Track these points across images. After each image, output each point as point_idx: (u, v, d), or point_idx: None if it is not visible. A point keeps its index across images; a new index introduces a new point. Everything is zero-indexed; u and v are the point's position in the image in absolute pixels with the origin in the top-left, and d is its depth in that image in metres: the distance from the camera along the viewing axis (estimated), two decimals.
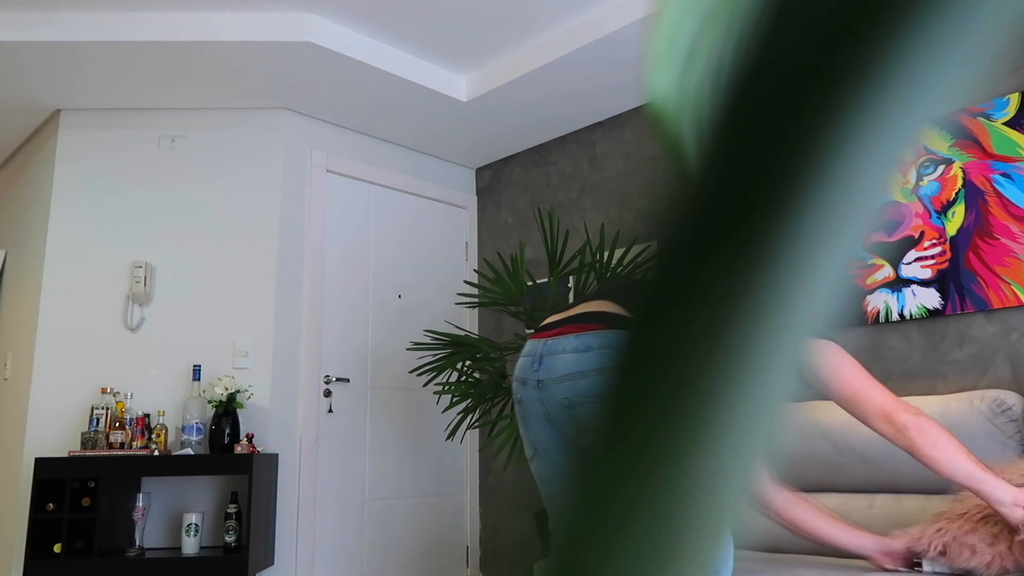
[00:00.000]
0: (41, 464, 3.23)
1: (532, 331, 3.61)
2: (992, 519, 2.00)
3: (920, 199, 2.85)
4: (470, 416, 3.52)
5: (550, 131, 4.28)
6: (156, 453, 3.36)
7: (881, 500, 2.52)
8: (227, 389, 3.45)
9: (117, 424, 3.39)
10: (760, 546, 2.68)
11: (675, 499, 0.18)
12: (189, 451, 3.40)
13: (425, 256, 4.48)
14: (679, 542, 0.18)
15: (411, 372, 3.79)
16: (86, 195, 3.79)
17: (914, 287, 2.83)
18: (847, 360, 1.76)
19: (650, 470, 0.18)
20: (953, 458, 1.58)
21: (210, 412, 3.51)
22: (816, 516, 1.92)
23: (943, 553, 2.03)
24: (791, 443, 2.74)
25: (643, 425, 0.18)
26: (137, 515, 3.37)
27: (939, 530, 2.08)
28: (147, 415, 3.48)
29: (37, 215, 3.92)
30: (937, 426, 1.60)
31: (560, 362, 1.69)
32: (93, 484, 3.25)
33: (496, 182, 4.68)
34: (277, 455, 3.64)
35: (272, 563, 3.52)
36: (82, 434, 3.37)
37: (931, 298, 2.79)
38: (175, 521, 3.52)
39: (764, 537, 2.67)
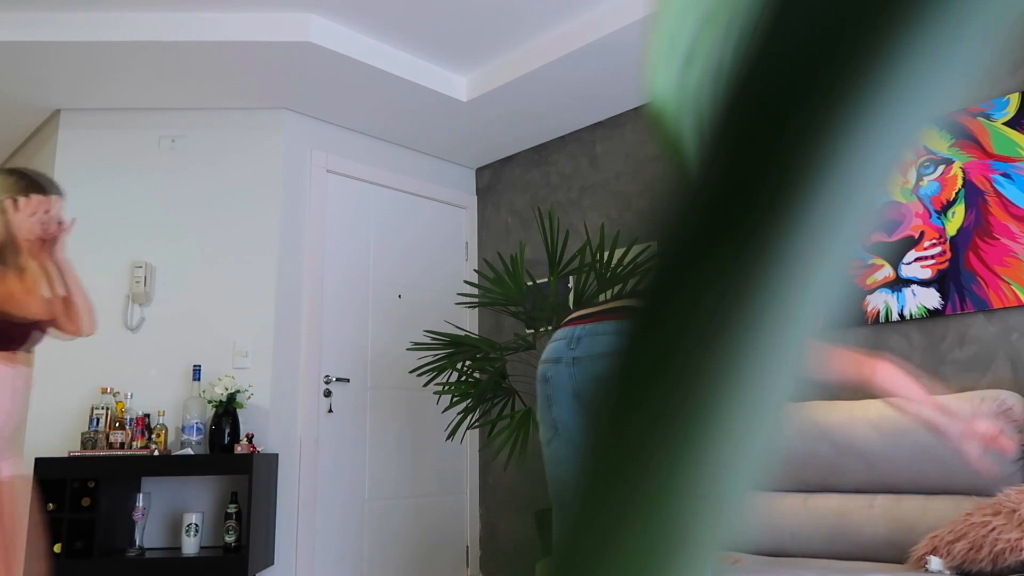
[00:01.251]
0: (41, 464, 3.23)
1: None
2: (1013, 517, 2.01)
3: (920, 199, 2.85)
4: (470, 416, 3.52)
5: (550, 131, 4.28)
6: (156, 453, 3.36)
7: (881, 500, 2.52)
8: (227, 389, 3.45)
9: (117, 424, 3.39)
10: (761, 549, 2.68)
11: (675, 495, 0.18)
12: (189, 451, 3.40)
13: (425, 256, 4.48)
14: (680, 538, 0.18)
15: (411, 372, 3.79)
16: (86, 195, 3.79)
17: (914, 287, 2.83)
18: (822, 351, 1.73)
19: (649, 465, 0.18)
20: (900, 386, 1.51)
21: (210, 412, 3.51)
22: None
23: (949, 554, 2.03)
24: (791, 443, 2.74)
25: (642, 421, 0.18)
26: (137, 515, 3.37)
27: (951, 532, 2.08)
28: (147, 415, 3.48)
29: None
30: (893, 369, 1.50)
31: (601, 341, 1.77)
32: (93, 484, 3.25)
33: (496, 182, 4.68)
34: (277, 455, 3.64)
35: (272, 563, 3.52)
36: (82, 434, 3.37)
37: (931, 298, 2.79)
38: (175, 521, 3.52)
39: (765, 539, 2.67)
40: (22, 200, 2.27)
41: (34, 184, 2.31)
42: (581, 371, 1.77)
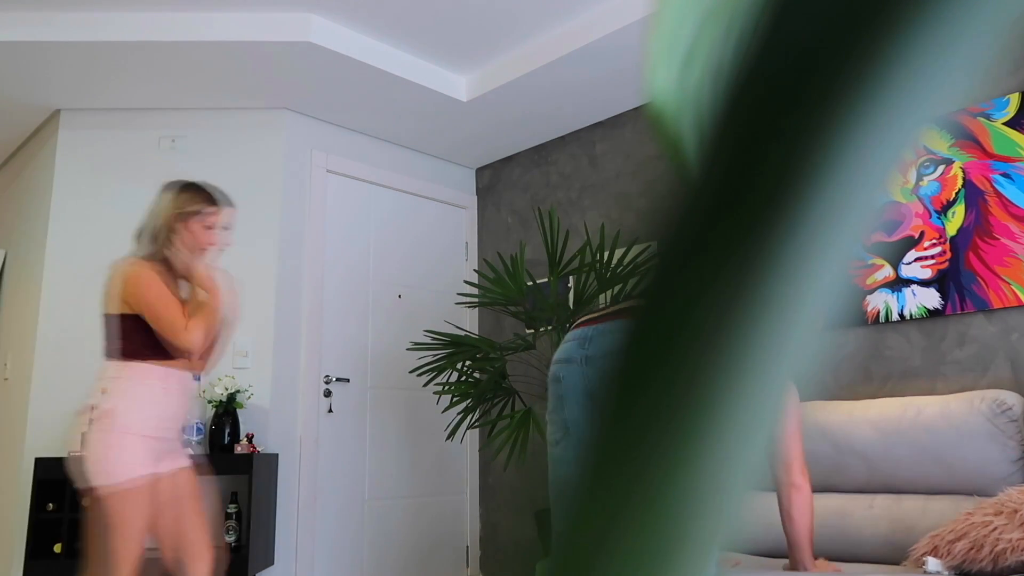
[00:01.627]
0: (41, 464, 3.23)
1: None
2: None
3: (920, 199, 2.85)
4: (470, 416, 3.52)
5: (550, 131, 4.28)
6: None
7: (881, 500, 2.52)
8: (227, 389, 3.45)
9: None
10: (761, 549, 2.68)
11: (674, 495, 0.18)
12: (189, 451, 3.39)
13: (425, 256, 4.48)
14: (679, 538, 0.18)
15: (411, 372, 3.79)
16: (86, 195, 3.79)
17: (914, 287, 2.83)
18: (793, 406, 1.96)
19: (648, 464, 0.18)
20: (801, 526, 1.92)
21: (210, 412, 3.51)
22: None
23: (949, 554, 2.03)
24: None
25: (641, 419, 0.18)
26: None
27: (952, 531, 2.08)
28: None
29: (37, 215, 3.92)
30: (810, 498, 1.94)
31: (613, 340, 1.79)
32: None
33: (496, 182, 4.68)
34: (277, 455, 3.64)
35: (272, 563, 3.52)
36: (83, 434, 3.36)
37: (931, 298, 2.79)
38: None
39: (765, 539, 2.67)
40: (203, 212, 2.41)
41: (208, 197, 2.44)
42: (593, 370, 1.79)
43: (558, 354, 1.88)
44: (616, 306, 1.88)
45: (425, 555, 4.21)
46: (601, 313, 1.87)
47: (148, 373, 2.27)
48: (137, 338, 2.27)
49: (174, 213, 2.38)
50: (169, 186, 2.47)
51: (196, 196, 2.42)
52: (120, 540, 2.18)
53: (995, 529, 2.01)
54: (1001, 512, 2.04)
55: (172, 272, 2.38)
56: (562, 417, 1.84)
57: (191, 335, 2.26)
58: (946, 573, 2.04)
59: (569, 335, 1.88)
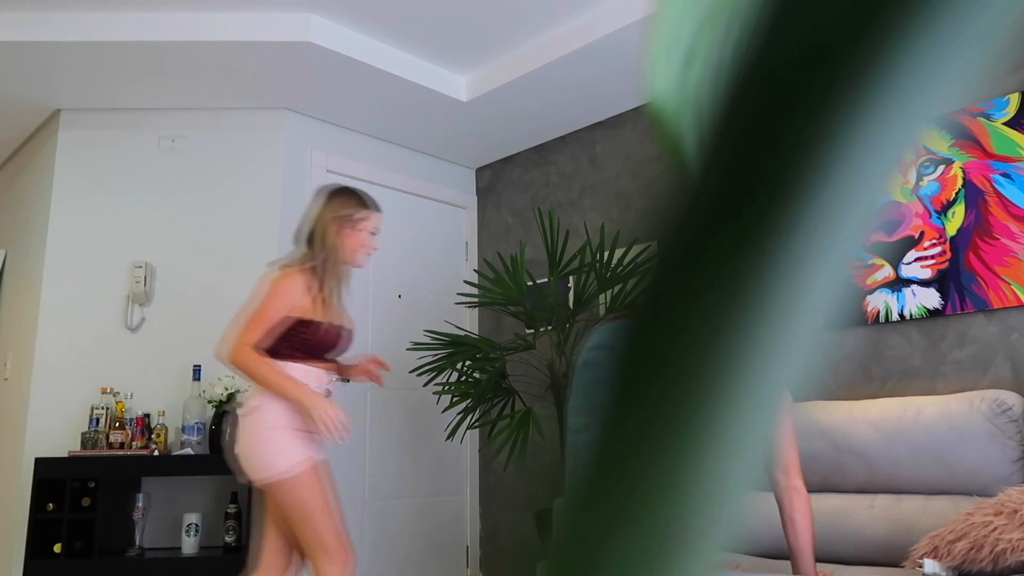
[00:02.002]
0: (41, 464, 3.23)
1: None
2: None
3: (920, 199, 2.85)
4: (470, 416, 3.52)
5: (550, 131, 4.28)
6: (156, 453, 3.36)
7: (881, 500, 2.52)
8: (227, 389, 3.45)
9: (117, 424, 3.39)
10: (761, 549, 2.68)
11: (674, 495, 0.18)
12: (189, 451, 3.40)
13: (425, 256, 4.48)
14: (680, 538, 0.18)
15: (411, 372, 3.79)
16: (86, 195, 3.79)
17: (914, 287, 2.83)
18: (788, 414, 1.99)
19: (649, 464, 0.18)
20: (803, 530, 1.92)
21: (210, 412, 3.51)
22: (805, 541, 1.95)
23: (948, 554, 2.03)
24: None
25: (641, 419, 0.18)
26: (137, 515, 3.37)
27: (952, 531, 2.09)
28: (147, 415, 3.48)
29: (37, 215, 3.92)
30: (809, 502, 1.94)
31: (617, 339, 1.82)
32: (93, 484, 3.25)
33: (496, 182, 4.68)
34: None
35: None
36: (82, 434, 3.37)
37: (931, 298, 2.79)
38: (175, 521, 3.52)
39: (765, 539, 2.67)
40: (356, 217, 2.49)
41: (360, 201, 2.52)
42: None
43: (593, 340, 1.88)
44: None
45: (425, 555, 4.20)
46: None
47: (289, 371, 2.41)
48: (280, 338, 2.39)
49: (330, 217, 2.45)
50: (323, 190, 2.55)
51: (349, 200, 2.51)
52: (311, 523, 2.26)
53: (995, 529, 2.01)
54: (1001, 512, 2.04)
55: (326, 275, 2.43)
56: (586, 404, 1.84)
57: (239, 354, 2.30)
58: (944, 574, 2.04)
59: (603, 326, 1.90)
